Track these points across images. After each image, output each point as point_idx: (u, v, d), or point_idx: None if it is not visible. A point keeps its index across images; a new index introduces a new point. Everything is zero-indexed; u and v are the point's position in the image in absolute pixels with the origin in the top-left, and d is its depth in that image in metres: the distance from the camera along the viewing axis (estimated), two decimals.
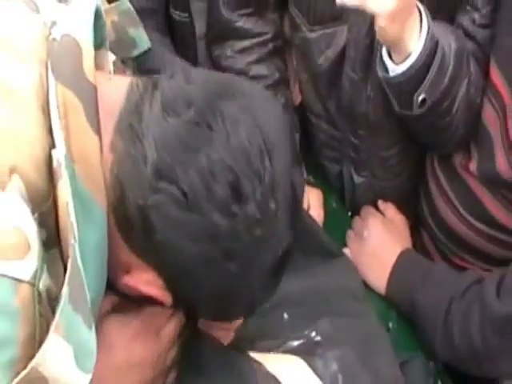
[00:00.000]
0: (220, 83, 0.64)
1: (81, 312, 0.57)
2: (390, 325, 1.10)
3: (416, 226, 1.27)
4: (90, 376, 0.58)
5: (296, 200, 0.65)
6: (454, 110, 1.04)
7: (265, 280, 0.66)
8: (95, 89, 0.62)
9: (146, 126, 0.60)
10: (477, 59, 1.05)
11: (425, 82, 0.98)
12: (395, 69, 0.99)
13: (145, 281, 0.64)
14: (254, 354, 0.80)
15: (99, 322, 0.70)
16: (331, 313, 0.90)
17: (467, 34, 1.05)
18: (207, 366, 0.76)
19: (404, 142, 1.21)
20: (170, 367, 0.75)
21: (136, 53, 0.83)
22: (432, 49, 0.97)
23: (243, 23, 1.21)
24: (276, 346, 0.84)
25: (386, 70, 1.01)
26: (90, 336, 0.58)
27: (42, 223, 0.58)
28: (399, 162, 1.24)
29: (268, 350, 0.83)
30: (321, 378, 0.77)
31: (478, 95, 1.06)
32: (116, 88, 0.64)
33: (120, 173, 0.61)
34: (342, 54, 1.13)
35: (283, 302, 0.89)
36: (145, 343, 0.72)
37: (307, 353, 0.82)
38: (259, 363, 0.78)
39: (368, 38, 1.07)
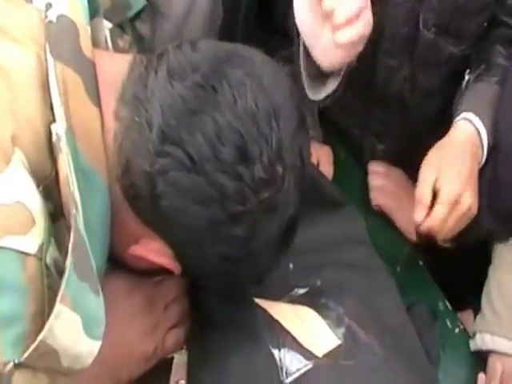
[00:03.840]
0: (225, 50, 0.64)
1: (87, 280, 0.57)
2: (398, 269, 1.11)
3: None
4: (99, 343, 0.59)
5: (303, 166, 0.65)
6: None
7: (272, 249, 0.66)
8: (93, 64, 0.63)
9: (151, 92, 0.61)
10: None
11: None
12: None
13: (154, 250, 0.65)
14: (259, 301, 0.81)
15: None
16: (336, 262, 0.90)
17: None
18: (214, 318, 0.78)
19: (438, 118, 1.19)
20: (177, 321, 0.78)
21: (131, 13, 0.83)
22: None
23: None
24: (282, 294, 0.84)
25: None
26: (98, 303, 0.59)
27: (47, 197, 0.58)
28: (431, 135, 1.21)
29: (274, 298, 0.83)
30: (326, 318, 0.78)
31: None
32: (117, 62, 0.65)
33: (125, 141, 0.61)
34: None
35: (289, 253, 0.91)
36: (143, 289, 0.74)
37: (312, 300, 0.83)
38: (263, 309, 0.79)
39: (406, 27, 1.06)
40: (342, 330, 0.78)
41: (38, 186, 0.57)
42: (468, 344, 1.05)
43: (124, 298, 0.73)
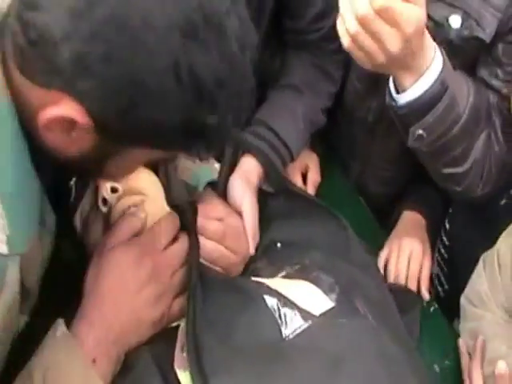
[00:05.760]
0: None
1: None
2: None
3: None
4: None
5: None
6: (469, 163, 1.02)
7: (215, 71, 0.60)
8: None
9: None
10: (501, 111, 1.03)
11: (425, 119, 0.92)
12: (399, 98, 0.93)
13: (61, 107, 0.60)
14: (255, 279, 0.86)
15: (104, 255, 0.75)
16: (320, 245, 0.95)
17: (490, 87, 1.03)
18: (212, 285, 0.81)
19: (400, 161, 1.23)
20: (181, 289, 0.80)
21: None
22: (440, 92, 0.91)
23: None
24: (274, 272, 0.90)
25: (392, 98, 0.95)
26: None
27: None
28: (390, 176, 1.27)
29: (267, 276, 0.88)
30: (319, 287, 0.83)
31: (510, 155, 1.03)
32: None
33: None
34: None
35: (274, 237, 0.97)
36: (150, 259, 0.77)
37: (305, 274, 0.88)
38: (260, 282, 0.84)
39: None
40: (335, 295, 0.84)
41: None
42: (443, 322, 1.10)
43: (132, 269, 0.76)
